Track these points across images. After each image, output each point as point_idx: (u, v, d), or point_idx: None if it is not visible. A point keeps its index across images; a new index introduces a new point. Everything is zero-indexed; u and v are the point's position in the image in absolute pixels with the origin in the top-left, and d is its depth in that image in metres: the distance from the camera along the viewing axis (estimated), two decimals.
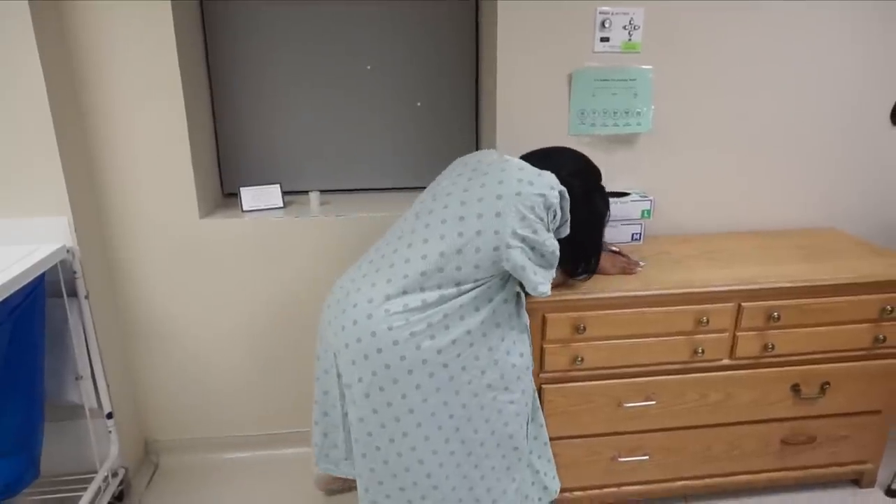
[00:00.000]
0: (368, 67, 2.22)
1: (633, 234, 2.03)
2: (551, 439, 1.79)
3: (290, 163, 2.30)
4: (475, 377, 1.47)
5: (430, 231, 1.45)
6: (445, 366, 1.43)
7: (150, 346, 2.11)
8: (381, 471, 1.52)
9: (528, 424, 1.62)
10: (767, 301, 1.74)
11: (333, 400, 1.59)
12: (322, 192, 2.23)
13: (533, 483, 1.71)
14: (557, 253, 1.47)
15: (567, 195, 1.48)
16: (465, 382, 1.47)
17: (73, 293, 1.81)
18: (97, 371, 1.89)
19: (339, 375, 1.53)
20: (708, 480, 1.93)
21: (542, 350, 1.70)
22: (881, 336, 1.80)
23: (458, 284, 1.42)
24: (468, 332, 1.44)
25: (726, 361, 1.79)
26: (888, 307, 1.77)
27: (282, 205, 2.12)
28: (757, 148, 2.12)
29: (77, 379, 1.87)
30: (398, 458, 1.49)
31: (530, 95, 1.96)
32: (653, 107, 2.01)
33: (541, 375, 1.73)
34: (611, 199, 1.96)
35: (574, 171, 1.58)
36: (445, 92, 2.29)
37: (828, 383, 1.84)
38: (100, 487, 1.85)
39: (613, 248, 1.85)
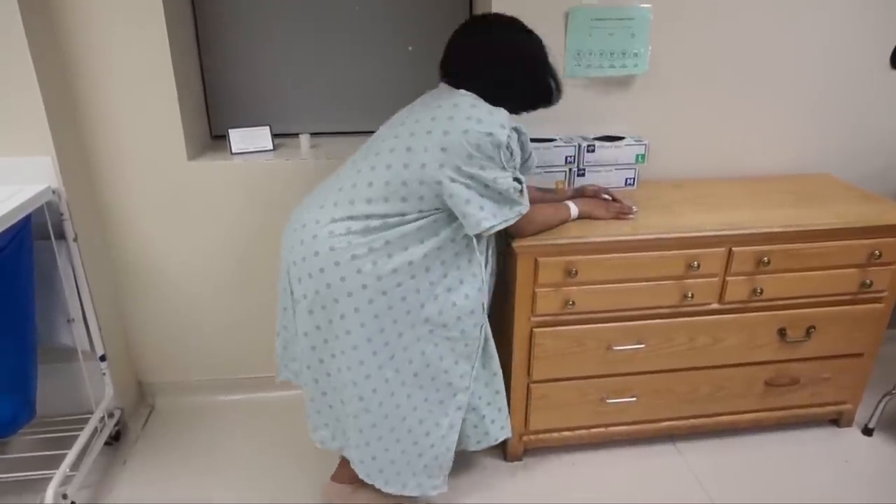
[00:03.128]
0: (357, 8, 2.15)
1: (626, 179, 2.01)
2: (542, 381, 1.82)
3: (279, 106, 2.24)
4: (414, 308, 1.50)
5: (379, 159, 1.46)
6: (385, 293, 1.46)
7: (141, 289, 2.10)
8: (323, 383, 1.58)
9: (472, 367, 1.64)
10: (758, 246, 1.75)
11: (290, 315, 1.60)
12: (312, 134, 2.19)
13: (476, 426, 1.74)
14: (514, 190, 1.48)
15: (524, 130, 1.48)
16: (404, 312, 1.49)
17: (61, 236, 1.79)
18: (88, 314, 1.89)
19: (291, 292, 1.55)
20: (693, 421, 1.98)
21: (533, 294, 1.71)
22: (868, 281, 1.82)
23: (402, 214, 1.44)
24: (410, 264, 1.46)
25: (715, 306, 1.81)
26: (876, 252, 1.79)
27: (271, 147, 2.08)
28: (752, 93, 2.09)
29: (69, 322, 1.87)
30: (338, 373, 1.54)
31: None
32: (650, 48, 1.97)
33: (532, 319, 1.75)
34: (606, 143, 1.96)
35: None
36: (438, 33, 2.21)
37: (813, 327, 1.87)
38: (96, 427, 1.88)
39: (606, 196, 1.84)
